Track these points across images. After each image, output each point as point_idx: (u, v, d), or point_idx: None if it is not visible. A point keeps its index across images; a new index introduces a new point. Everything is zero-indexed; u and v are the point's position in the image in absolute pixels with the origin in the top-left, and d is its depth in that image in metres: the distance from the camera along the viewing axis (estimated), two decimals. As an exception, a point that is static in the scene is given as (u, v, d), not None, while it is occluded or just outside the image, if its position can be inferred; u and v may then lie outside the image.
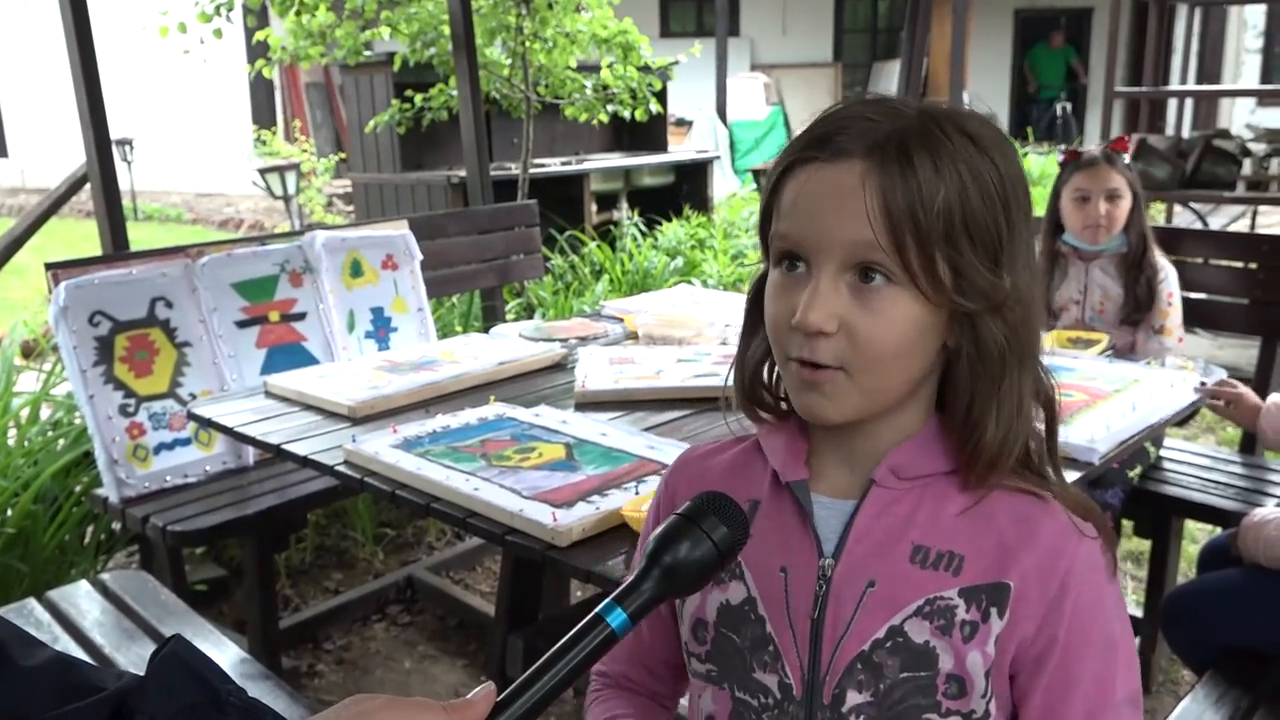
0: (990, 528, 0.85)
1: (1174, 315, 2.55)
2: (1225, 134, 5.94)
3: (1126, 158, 2.60)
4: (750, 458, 0.95)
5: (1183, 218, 7.20)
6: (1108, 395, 1.83)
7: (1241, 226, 7.58)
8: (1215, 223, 7.26)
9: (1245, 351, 4.70)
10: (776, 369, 0.92)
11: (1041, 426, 0.88)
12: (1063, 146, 2.98)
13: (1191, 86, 10.40)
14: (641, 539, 1.04)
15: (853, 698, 0.85)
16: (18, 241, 3.66)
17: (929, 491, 0.87)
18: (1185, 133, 8.97)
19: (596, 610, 0.71)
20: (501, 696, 0.67)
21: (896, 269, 0.79)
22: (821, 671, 0.86)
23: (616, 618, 0.71)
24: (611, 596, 0.72)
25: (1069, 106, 14.57)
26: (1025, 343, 0.84)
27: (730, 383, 0.95)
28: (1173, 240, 2.77)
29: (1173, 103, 9.89)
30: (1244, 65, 13.50)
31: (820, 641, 0.86)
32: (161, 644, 0.70)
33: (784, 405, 0.93)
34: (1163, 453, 2.58)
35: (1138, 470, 2.43)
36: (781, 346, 0.84)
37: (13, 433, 2.93)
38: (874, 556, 0.86)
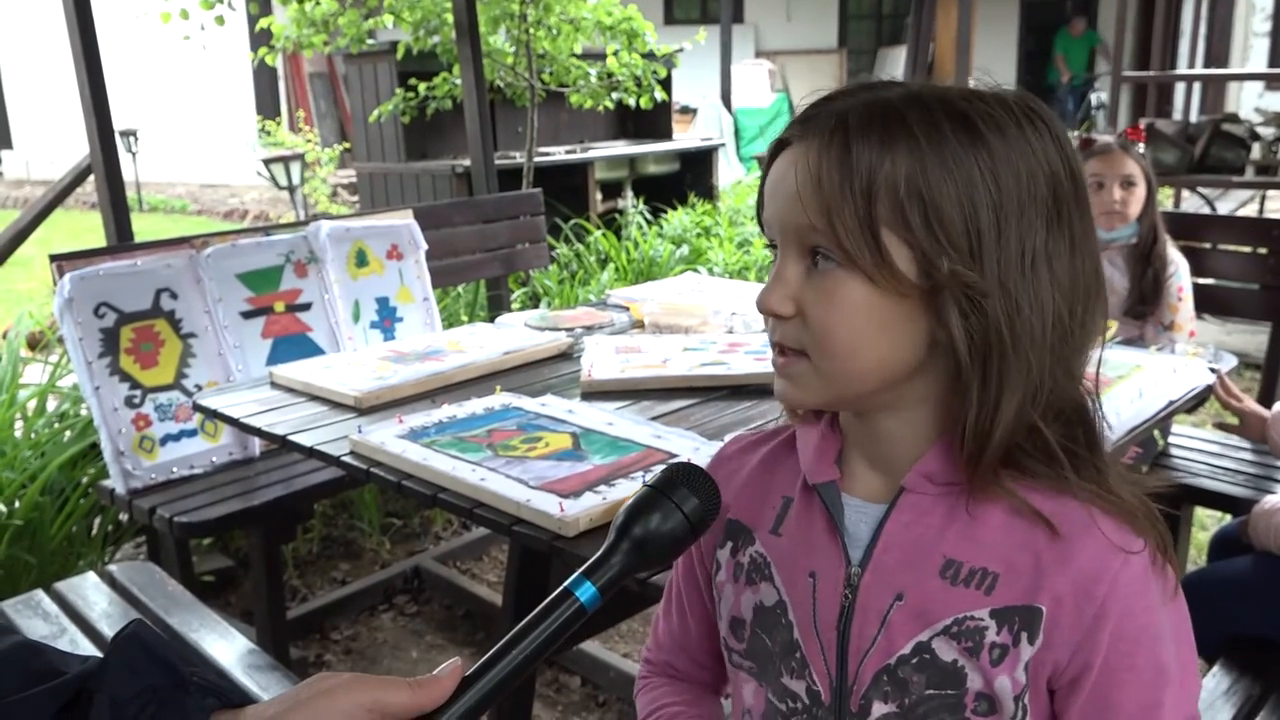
0: (1028, 543, 0.78)
1: (1184, 310, 2.52)
2: (1234, 118, 5.90)
3: (1141, 147, 2.58)
4: (786, 453, 0.93)
5: (1191, 203, 7.17)
6: (1112, 382, 1.82)
7: (1250, 211, 7.54)
8: (1224, 207, 7.22)
9: (1255, 337, 4.68)
10: None
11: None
12: (1075, 134, 2.95)
13: (1200, 70, 10.34)
14: None
15: (879, 708, 0.82)
16: (22, 233, 3.66)
17: (963, 500, 0.80)
18: (1193, 117, 8.92)
19: (565, 584, 0.70)
20: (469, 672, 0.67)
21: (837, 251, 0.76)
22: (849, 680, 0.83)
23: (585, 591, 0.70)
24: (581, 570, 0.71)
25: (1104, 95, 14.33)
26: (1013, 340, 0.76)
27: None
28: (1181, 226, 2.75)
29: (1180, 87, 9.84)
30: (1252, 49, 13.41)
31: (846, 652, 0.83)
32: (122, 629, 0.69)
33: None
34: (1173, 440, 2.57)
35: (1149, 461, 2.41)
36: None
37: (19, 425, 2.93)
38: (903, 567, 0.81)
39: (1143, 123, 5.65)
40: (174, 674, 0.67)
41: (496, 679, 0.67)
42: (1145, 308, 2.54)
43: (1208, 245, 2.95)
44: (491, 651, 0.67)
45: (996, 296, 0.75)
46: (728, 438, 1.02)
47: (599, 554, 0.72)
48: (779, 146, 0.82)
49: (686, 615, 1.01)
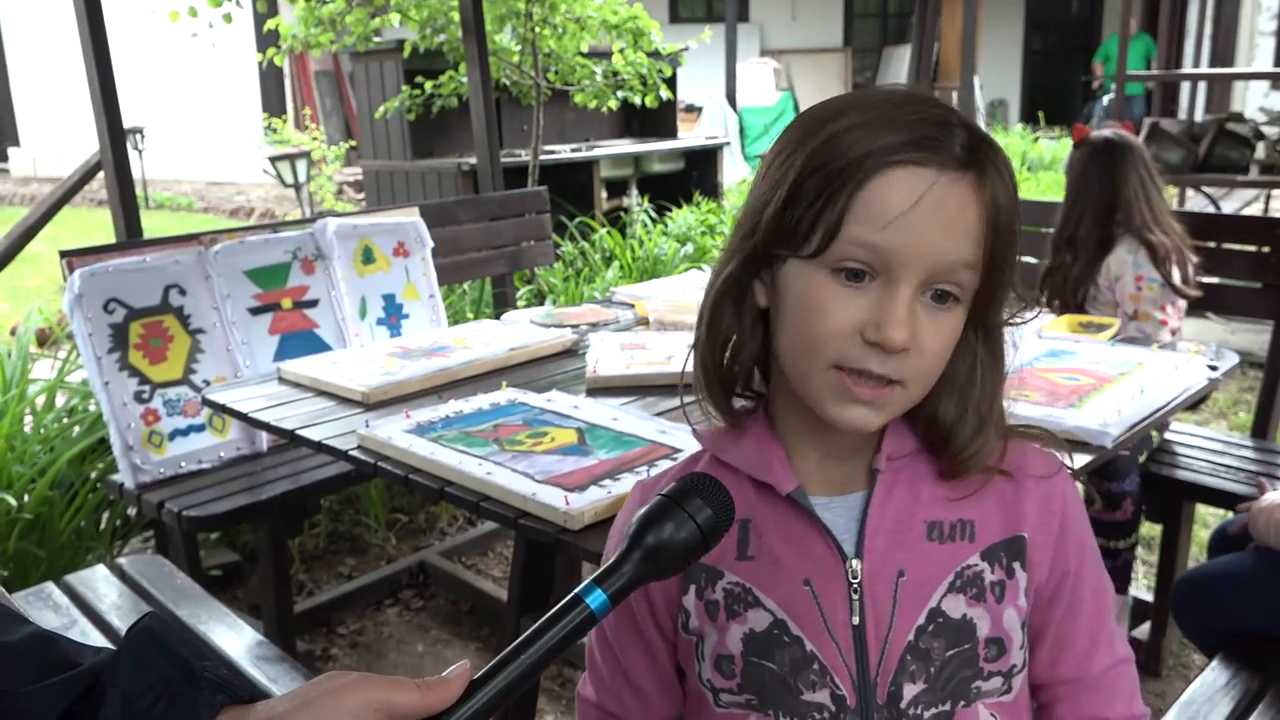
0: (986, 489, 0.87)
1: (1147, 299, 2.57)
2: (1239, 117, 5.90)
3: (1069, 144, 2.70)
4: (716, 475, 0.84)
5: (1195, 202, 7.17)
6: (1114, 378, 1.83)
7: (1255, 210, 7.54)
8: (1228, 207, 7.22)
9: (1258, 336, 4.69)
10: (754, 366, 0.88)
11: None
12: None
13: (1204, 70, 10.33)
14: (612, 539, 1.00)
15: (909, 690, 0.84)
16: (31, 230, 3.68)
17: (917, 467, 0.87)
18: (1198, 116, 8.92)
19: (576, 591, 0.70)
20: (477, 675, 0.67)
21: (971, 287, 0.78)
22: (872, 674, 0.84)
23: (596, 599, 0.70)
24: (592, 577, 0.71)
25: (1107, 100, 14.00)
26: (997, 340, 0.87)
27: (694, 376, 0.90)
28: (1185, 224, 2.76)
29: (1186, 86, 9.83)
30: (1258, 48, 13.38)
31: (865, 645, 0.84)
32: (135, 622, 0.70)
33: (748, 402, 0.90)
34: (1175, 437, 2.58)
35: (1144, 456, 2.43)
36: (827, 355, 0.78)
37: (29, 420, 2.96)
38: (894, 545, 0.84)
39: (1147, 121, 5.65)
40: (185, 668, 0.68)
41: (505, 683, 0.67)
42: (1076, 286, 2.67)
43: (1212, 244, 2.95)
44: (501, 655, 0.68)
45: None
46: (632, 487, 1.00)
47: (611, 562, 0.72)
48: (895, 165, 0.75)
49: (629, 685, 0.96)
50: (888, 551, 0.84)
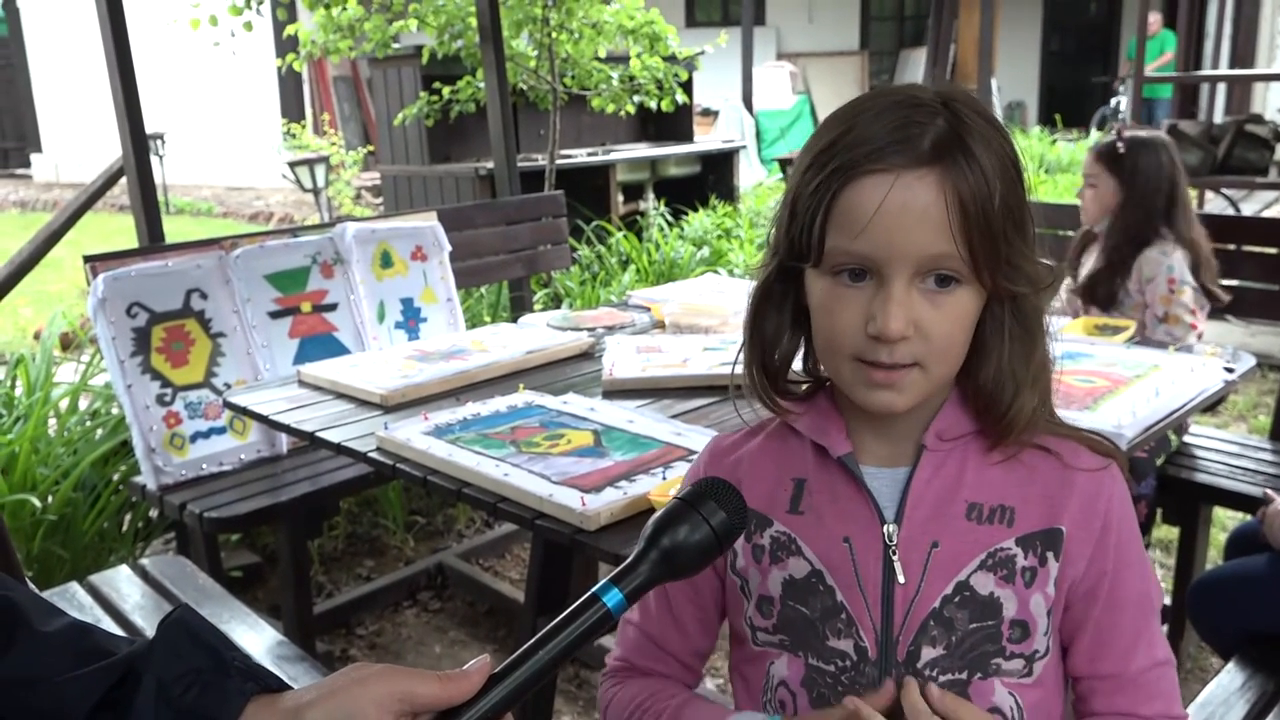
0: (1032, 478, 0.91)
1: (1178, 302, 2.52)
2: (1258, 119, 5.87)
3: (1122, 148, 2.62)
4: (784, 438, 0.98)
5: (1215, 204, 7.12)
6: (1129, 380, 1.83)
7: (1275, 212, 7.49)
8: (1248, 209, 7.17)
9: (1278, 339, 4.66)
10: (794, 360, 0.96)
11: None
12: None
13: (1223, 71, 10.26)
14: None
15: (927, 653, 0.89)
16: (55, 235, 3.73)
17: (969, 451, 0.92)
18: (1218, 117, 8.86)
19: (593, 590, 0.72)
20: (496, 670, 0.69)
21: (967, 270, 0.83)
22: (895, 632, 0.90)
23: (613, 598, 0.72)
24: (609, 577, 0.73)
25: (1124, 99, 13.62)
26: (1044, 313, 0.90)
27: (746, 377, 0.96)
28: (1204, 227, 2.75)
29: (1205, 87, 9.77)
30: (1279, 50, 13.29)
31: (892, 604, 0.90)
32: (169, 613, 0.72)
33: (803, 388, 0.97)
34: (1193, 440, 2.57)
35: (1161, 459, 2.42)
36: (846, 351, 0.86)
37: (53, 423, 2.99)
38: (933, 518, 0.90)
39: (1165, 123, 5.62)
40: (216, 657, 0.70)
41: (522, 678, 0.69)
42: (1096, 290, 2.62)
43: (1231, 246, 2.94)
44: (519, 651, 0.70)
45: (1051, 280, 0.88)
46: (710, 440, 1.06)
47: (627, 562, 0.74)
48: (859, 175, 0.81)
49: (670, 613, 1.03)
50: (926, 523, 0.90)
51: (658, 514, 0.76)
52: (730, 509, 0.76)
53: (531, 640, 0.70)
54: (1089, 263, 2.67)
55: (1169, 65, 11.47)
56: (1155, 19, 12.21)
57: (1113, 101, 13.69)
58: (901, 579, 0.89)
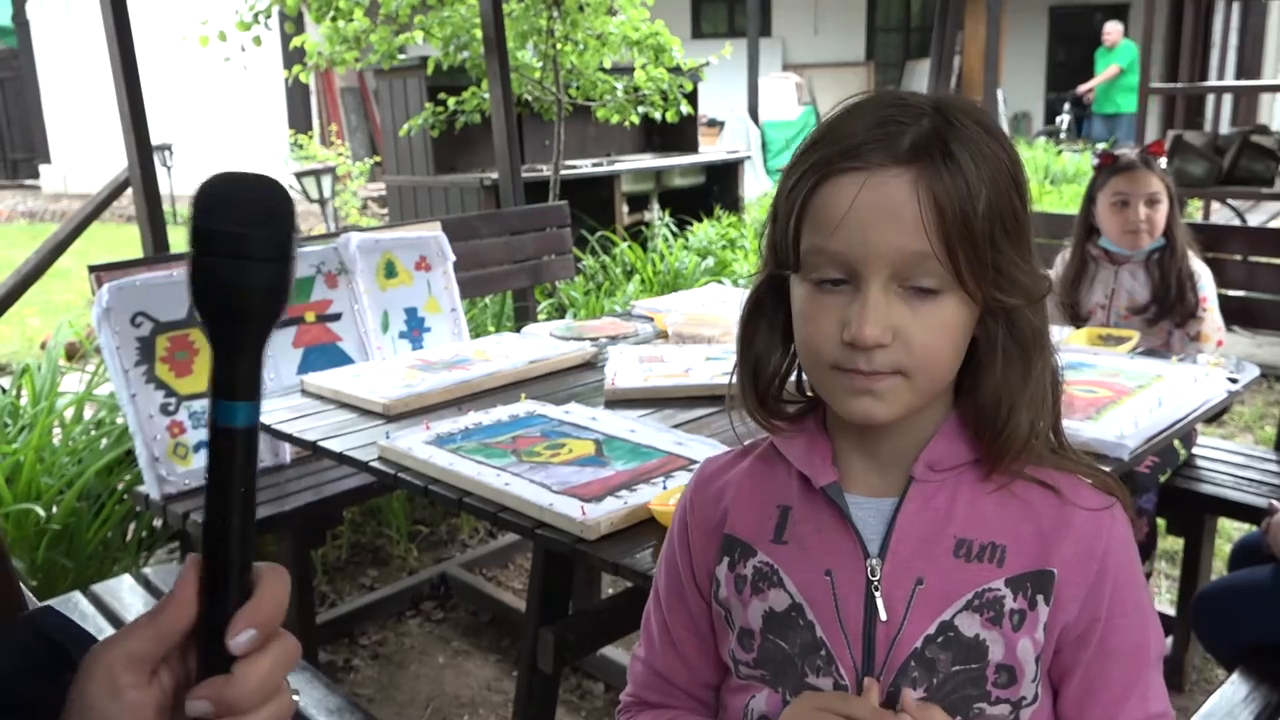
0: (1027, 515, 0.86)
1: (1209, 321, 2.52)
2: (1264, 129, 5.85)
3: (1163, 161, 2.58)
4: (770, 463, 0.94)
5: (1220, 215, 7.11)
6: (1132, 391, 1.83)
7: (1281, 223, 7.47)
8: (1254, 220, 7.15)
9: (1284, 349, 4.65)
10: (789, 376, 0.93)
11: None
12: (1099, 148, 2.94)
13: (1229, 82, 10.26)
14: (666, 543, 1.02)
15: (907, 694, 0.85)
16: (61, 246, 3.74)
17: (961, 482, 0.87)
18: (1223, 128, 8.85)
19: (216, 424, 0.58)
20: (205, 573, 0.61)
21: (948, 275, 0.79)
22: (875, 671, 0.86)
23: (240, 415, 0.58)
24: (216, 395, 0.58)
25: (1065, 117, 13.42)
26: (1046, 328, 0.86)
27: (736, 391, 0.94)
28: (1210, 238, 2.74)
29: (1211, 98, 9.76)
30: (1286, 60, 13.28)
31: (873, 642, 0.86)
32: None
33: (794, 408, 0.94)
34: (1198, 450, 2.56)
35: (1167, 474, 2.41)
36: (825, 359, 0.83)
37: (57, 432, 3.00)
38: (919, 554, 0.86)
39: (1170, 134, 5.61)
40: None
41: (238, 552, 0.61)
42: (1166, 318, 2.54)
43: (1237, 257, 2.93)
44: (208, 532, 0.60)
45: (1045, 293, 0.85)
46: (700, 461, 1.03)
47: (213, 370, 0.57)
48: (831, 175, 0.79)
49: (673, 647, 1.00)
50: (911, 558, 0.86)
51: (193, 283, 0.56)
52: (244, 215, 0.56)
53: (209, 512, 0.60)
54: (1103, 288, 2.63)
55: (1126, 79, 11.41)
56: (1114, 29, 12.07)
57: (1057, 119, 13.62)
58: (884, 616, 0.85)
